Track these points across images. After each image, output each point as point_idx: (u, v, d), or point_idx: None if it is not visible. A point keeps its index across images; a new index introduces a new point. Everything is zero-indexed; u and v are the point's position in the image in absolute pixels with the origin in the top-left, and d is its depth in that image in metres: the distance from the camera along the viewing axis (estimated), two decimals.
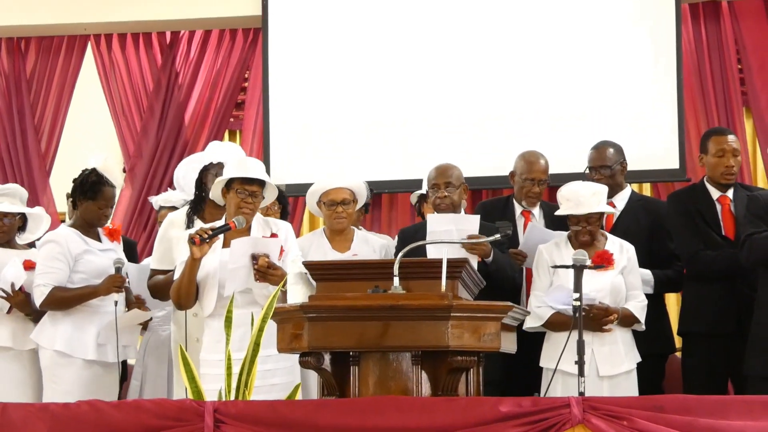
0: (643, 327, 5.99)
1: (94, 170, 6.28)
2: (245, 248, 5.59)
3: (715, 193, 6.44)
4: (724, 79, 8.86)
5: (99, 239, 6.35)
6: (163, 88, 9.64)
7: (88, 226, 6.33)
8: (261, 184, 5.77)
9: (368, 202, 6.89)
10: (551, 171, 6.81)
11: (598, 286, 5.84)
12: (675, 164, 8.61)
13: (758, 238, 5.84)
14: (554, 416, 4.44)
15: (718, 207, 6.42)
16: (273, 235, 5.78)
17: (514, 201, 6.78)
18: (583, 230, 6.01)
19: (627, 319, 5.95)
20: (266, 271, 5.55)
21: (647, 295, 6.18)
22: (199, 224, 6.04)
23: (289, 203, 6.88)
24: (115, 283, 6.11)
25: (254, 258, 5.58)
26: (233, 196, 5.73)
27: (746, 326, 6.04)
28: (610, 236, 6.17)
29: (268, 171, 8.60)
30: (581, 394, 4.99)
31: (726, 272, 6.26)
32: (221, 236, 5.68)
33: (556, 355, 5.64)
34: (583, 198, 5.98)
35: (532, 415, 4.44)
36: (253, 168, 5.79)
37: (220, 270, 5.62)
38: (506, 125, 8.88)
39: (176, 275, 5.76)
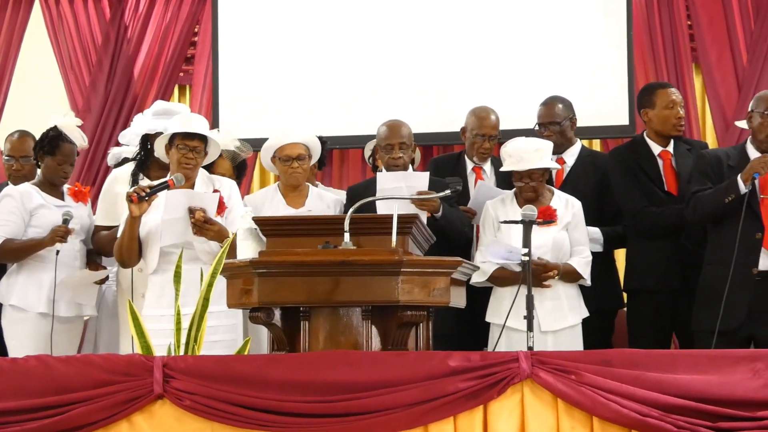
0: (588, 282, 6.02)
1: (54, 127, 6.39)
2: (180, 200, 5.61)
3: (656, 148, 6.47)
4: (673, 35, 8.86)
5: (62, 199, 6.39)
6: (112, 42, 9.52)
7: (50, 185, 6.38)
8: (202, 139, 5.79)
9: (325, 154, 6.86)
10: (502, 127, 6.81)
11: (540, 242, 5.83)
12: (625, 120, 8.62)
13: (702, 195, 5.90)
14: (503, 371, 4.47)
15: (660, 162, 6.45)
16: (215, 191, 5.78)
17: (466, 157, 6.79)
18: (527, 186, 6.02)
19: (570, 275, 5.99)
20: (202, 225, 5.57)
21: (597, 253, 6.21)
22: (144, 183, 6.01)
23: (247, 165, 6.87)
24: (58, 233, 6.12)
25: (191, 211, 5.59)
26: (175, 152, 5.77)
27: (691, 282, 6.13)
28: (557, 192, 6.18)
29: (217, 126, 8.60)
30: (530, 348, 5.02)
31: (671, 229, 6.32)
32: (164, 193, 5.68)
33: (501, 309, 5.67)
34: (525, 154, 5.99)
35: (480, 370, 4.48)
36: (195, 123, 5.82)
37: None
38: (457, 81, 8.85)
39: (119, 233, 5.77)
